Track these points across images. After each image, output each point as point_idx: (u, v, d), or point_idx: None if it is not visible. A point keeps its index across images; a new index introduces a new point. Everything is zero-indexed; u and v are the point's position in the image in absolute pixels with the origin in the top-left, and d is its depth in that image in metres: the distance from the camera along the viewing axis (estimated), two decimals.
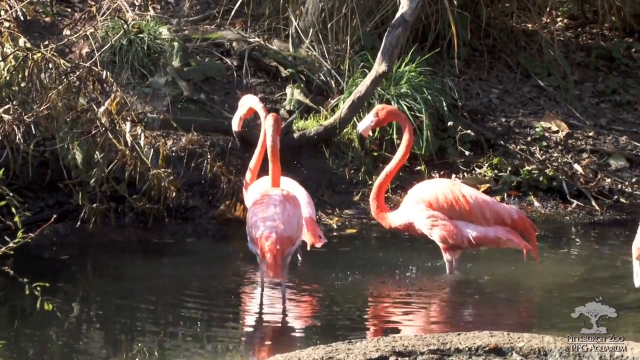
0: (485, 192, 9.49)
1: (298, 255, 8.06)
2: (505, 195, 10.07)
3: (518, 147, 10.59)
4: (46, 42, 8.83)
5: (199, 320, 6.94)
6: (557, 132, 10.87)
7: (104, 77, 8.49)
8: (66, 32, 10.29)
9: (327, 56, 10.54)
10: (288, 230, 7.00)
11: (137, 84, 9.88)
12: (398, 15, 9.82)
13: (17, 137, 8.14)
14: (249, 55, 10.52)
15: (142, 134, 8.48)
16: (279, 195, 7.15)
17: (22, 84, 8.37)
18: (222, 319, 7.06)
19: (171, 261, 8.55)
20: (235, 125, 8.52)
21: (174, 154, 9.33)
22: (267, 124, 7.52)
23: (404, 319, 7.23)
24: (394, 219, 7.96)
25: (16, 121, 8.11)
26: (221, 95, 10.23)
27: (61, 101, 8.29)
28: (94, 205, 8.53)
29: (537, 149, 10.66)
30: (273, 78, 10.52)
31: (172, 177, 8.64)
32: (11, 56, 8.37)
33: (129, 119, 8.49)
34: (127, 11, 9.67)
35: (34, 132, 8.34)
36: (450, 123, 10.35)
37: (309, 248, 7.76)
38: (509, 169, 10.25)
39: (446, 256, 7.86)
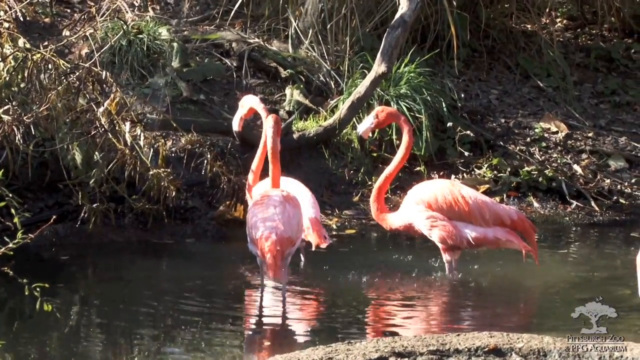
0: (484, 192, 9.50)
1: (301, 256, 8.06)
2: (505, 196, 10.07)
3: (517, 147, 10.59)
4: (46, 43, 8.82)
5: (198, 321, 6.94)
6: (557, 132, 10.87)
7: (103, 77, 8.49)
8: (66, 32, 10.29)
9: (326, 57, 10.54)
10: (288, 231, 7.00)
11: (137, 84, 9.88)
12: (397, 16, 9.81)
13: (17, 138, 8.13)
14: (248, 55, 10.51)
15: (142, 135, 8.47)
16: (279, 196, 7.15)
17: (22, 85, 8.36)
18: (222, 319, 7.06)
19: (171, 262, 8.55)
20: (236, 125, 8.52)
21: (173, 155, 9.32)
22: (267, 125, 7.53)
23: (403, 320, 7.23)
24: (394, 220, 7.97)
25: (16, 122, 8.10)
26: (221, 95, 10.23)
27: (61, 102, 8.28)
28: (94, 205, 8.52)
29: (537, 149, 10.66)
30: (272, 79, 10.52)
31: (171, 178, 8.63)
32: (11, 57, 8.36)
33: (128, 119, 8.48)
34: (127, 12, 9.67)
35: (33, 133, 8.32)
36: (449, 124, 10.35)
37: (313, 248, 7.76)
38: (509, 169, 10.25)
39: (445, 257, 7.86)
